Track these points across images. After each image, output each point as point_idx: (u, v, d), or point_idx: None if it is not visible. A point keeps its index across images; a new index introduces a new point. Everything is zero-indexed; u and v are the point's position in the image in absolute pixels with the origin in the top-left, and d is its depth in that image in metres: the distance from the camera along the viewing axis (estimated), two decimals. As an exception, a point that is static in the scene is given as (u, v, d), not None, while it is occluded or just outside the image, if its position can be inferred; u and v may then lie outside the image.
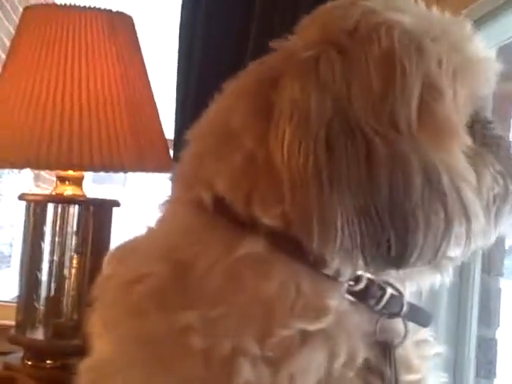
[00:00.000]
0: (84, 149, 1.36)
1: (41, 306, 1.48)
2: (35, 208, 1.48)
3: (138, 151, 1.43)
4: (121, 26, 1.48)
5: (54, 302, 1.48)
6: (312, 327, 0.55)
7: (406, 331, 0.60)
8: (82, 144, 1.36)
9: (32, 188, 2.58)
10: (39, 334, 1.48)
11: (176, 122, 1.72)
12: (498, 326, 0.53)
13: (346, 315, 0.57)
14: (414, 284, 0.63)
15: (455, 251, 0.59)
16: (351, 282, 0.58)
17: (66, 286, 1.49)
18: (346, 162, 0.53)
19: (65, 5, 1.46)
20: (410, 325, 0.61)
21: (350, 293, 0.58)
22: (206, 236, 0.58)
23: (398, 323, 0.60)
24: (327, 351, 0.55)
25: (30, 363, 1.45)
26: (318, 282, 0.57)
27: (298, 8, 1.44)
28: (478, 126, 0.63)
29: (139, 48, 1.54)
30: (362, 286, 0.58)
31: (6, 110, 1.41)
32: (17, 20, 1.65)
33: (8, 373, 1.41)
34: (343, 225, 0.52)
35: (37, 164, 1.42)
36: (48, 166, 1.48)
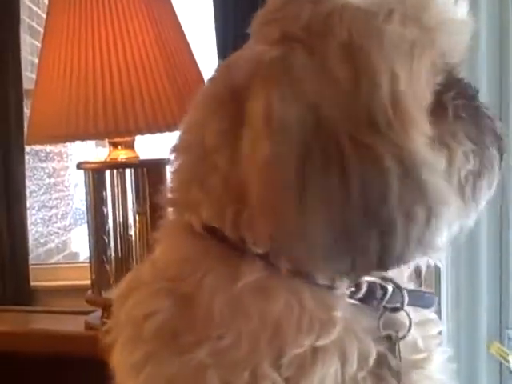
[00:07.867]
0: (128, 115, 1.39)
1: (111, 266, 1.55)
2: (93, 175, 1.54)
3: (181, 108, 1.45)
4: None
5: (122, 261, 1.55)
6: (322, 341, 0.54)
7: (410, 323, 0.59)
8: (126, 110, 1.39)
9: (94, 151, 2.70)
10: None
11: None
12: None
13: (353, 321, 0.56)
14: (409, 267, 0.62)
15: (437, 238, 0.55)
16: (352, 289, 0.57)
17: (133, 246, 1.55)
18: (322, 176, 0.50)
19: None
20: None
21: (353, 299, 0.57)
22: (203, 264, 0.57)
23: (402, 315, 0.59)
24: (340, 360, 0.55)
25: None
26: (320, 296, 0.56)
27: None
28: (449, 96, 0.57)
29: (172, 6, 1.54)
30: (363, 291, 0.57)
31: (51, 86, 1.45)
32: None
33: (90, 332, 1.47)
34: (325, 242, 0.50)
35: (86, 135, 1.46)
36: (97, 137, 1.53)
